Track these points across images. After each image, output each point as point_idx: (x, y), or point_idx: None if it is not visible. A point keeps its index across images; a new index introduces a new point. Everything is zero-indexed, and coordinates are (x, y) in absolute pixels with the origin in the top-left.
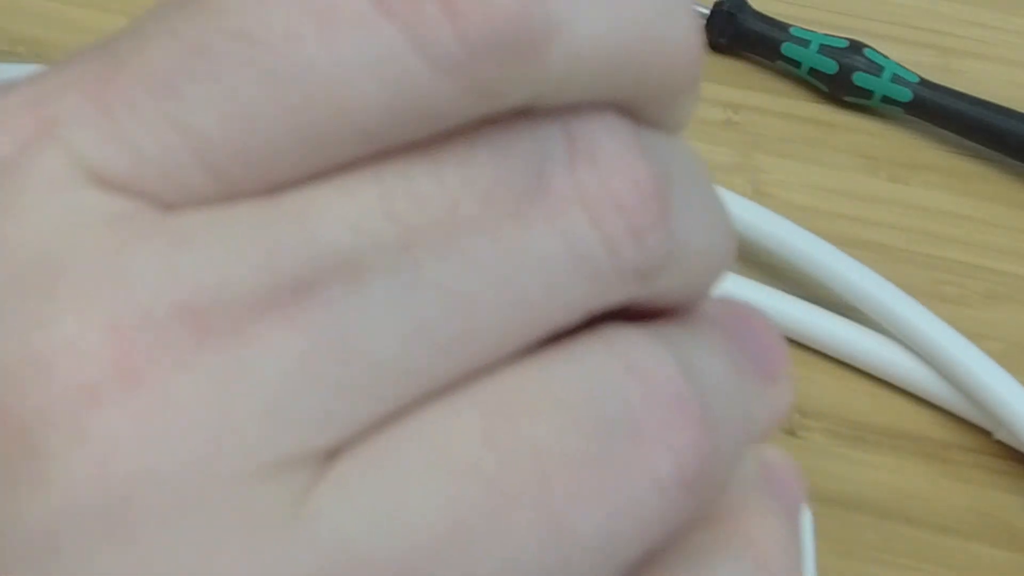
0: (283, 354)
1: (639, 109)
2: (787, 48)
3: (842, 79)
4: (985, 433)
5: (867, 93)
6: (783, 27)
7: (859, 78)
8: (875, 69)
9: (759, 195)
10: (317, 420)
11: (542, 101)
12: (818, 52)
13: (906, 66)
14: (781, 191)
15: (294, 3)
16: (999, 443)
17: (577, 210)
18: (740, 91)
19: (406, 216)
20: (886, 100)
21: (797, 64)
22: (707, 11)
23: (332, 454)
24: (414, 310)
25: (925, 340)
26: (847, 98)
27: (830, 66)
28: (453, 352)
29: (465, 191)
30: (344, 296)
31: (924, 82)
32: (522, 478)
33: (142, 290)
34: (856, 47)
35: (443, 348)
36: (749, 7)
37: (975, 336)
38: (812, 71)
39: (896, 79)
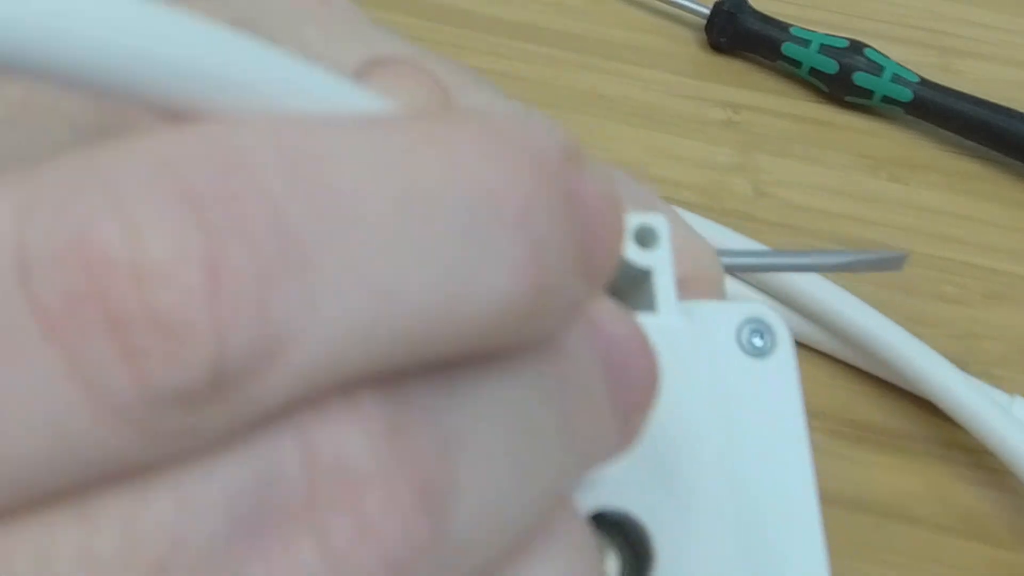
0: None
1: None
2: (787, 48)
3: (842, 79)
4: None
5: (867, 93)
6: (783, 27)
7: (859, 78)
8: (875, 69)
9: (759, 195)
10: None
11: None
12: (818, 52)
13: (906, 66)
14: (781, 191)
15: None
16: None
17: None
18: (740, 91)
19: None
20: (886, 100)
21: (797, 64)
22: (707, 11)
23: None
24: None
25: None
26: (847, 98)
27: (830, 66)
28: None
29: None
30: None
31: (924, 82)
32: None
33: None
34: (856, 47)
35: None
36: (749, 7)
37: (975, 336)
38: (812, 71)
39: (896, 79)
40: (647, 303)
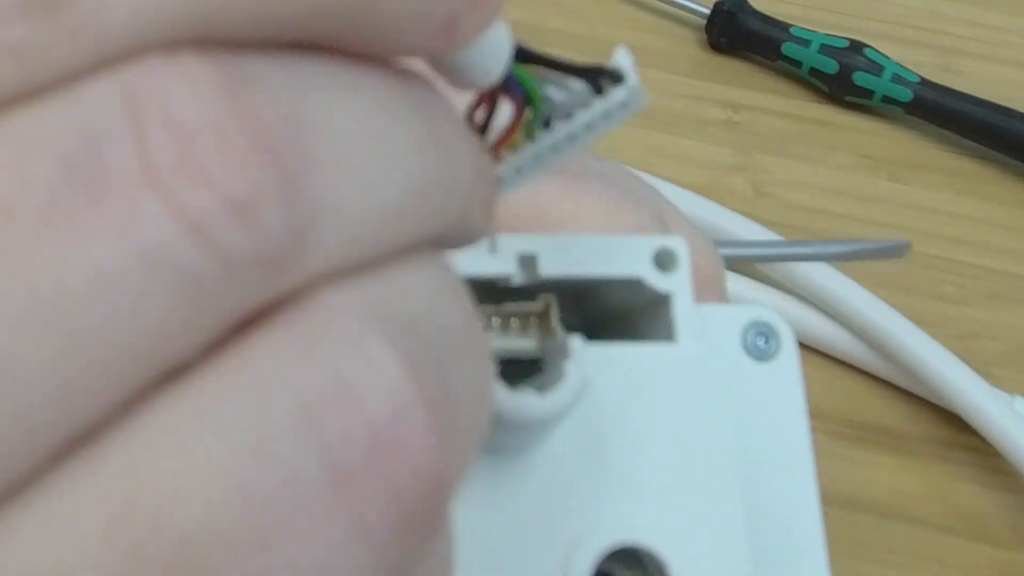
0: None
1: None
2: (788, 48)
3: (843, 79)
4: None
5: (868, 93)
6: (783, 27)
7: (860, 78)
8: (875, 69)
9: (759, 195)
10: None
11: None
12: (819, 52)
13: (906, 66)
14: (781, 191)
15: None
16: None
17: (147, 199)
18: (740, 91)
19: None
20: (886, 100)
21: (798, 64)
22: (707, 11)
23: None
24: None
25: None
26: (848, 98)
27: (831, 66)
28: None
29: None
30: None
31: (924, 82)
32: None
33: None
34: (857, 47)
35: None
36: (749, 7)
37: (975, 336)
38: (813, 71)
39: (896, 79)
40: (666, 329)
